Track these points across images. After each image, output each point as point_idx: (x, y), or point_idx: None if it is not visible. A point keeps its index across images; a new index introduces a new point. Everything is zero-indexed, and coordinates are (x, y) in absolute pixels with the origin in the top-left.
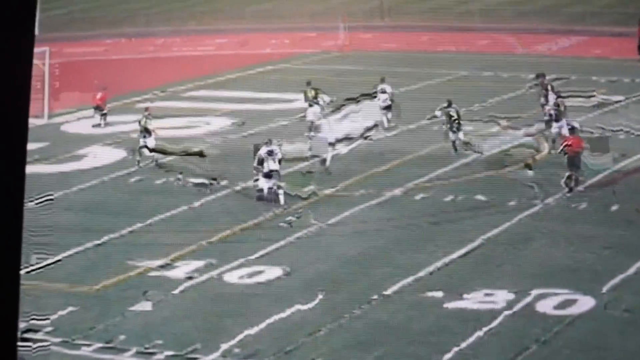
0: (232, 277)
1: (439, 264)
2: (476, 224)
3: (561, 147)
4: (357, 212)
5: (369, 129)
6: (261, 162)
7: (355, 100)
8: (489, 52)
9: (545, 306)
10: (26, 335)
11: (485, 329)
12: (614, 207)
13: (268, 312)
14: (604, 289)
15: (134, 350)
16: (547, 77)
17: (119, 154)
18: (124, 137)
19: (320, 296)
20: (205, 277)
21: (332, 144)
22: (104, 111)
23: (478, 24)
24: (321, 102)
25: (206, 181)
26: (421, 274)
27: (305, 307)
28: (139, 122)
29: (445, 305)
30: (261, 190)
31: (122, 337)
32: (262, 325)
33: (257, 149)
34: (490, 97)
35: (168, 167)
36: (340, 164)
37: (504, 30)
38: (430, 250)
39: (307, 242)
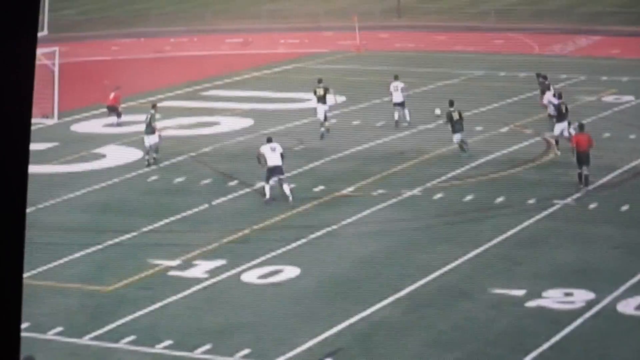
0: (249, 277)
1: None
2: (494, 223)
3: (571, 145)
4: (374, 212)
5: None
6: (264, 159)
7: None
8: (505, 52)
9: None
10: (35, 334)
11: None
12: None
13: (282, 312)
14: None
15: (147, 349)
16: (561, 77)
17: (135, 153)
18: (139, 137)
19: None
20: (223, 276)
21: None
22: (119, 111)
23: (494, 24)
24: (330, 101)
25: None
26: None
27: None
28: (146, 118)
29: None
30: (264, 195)
31: (133, 337)
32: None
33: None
34: (506, 97)
35: (161, 168)
36: (356, 164)
37: (520, 30)
38: (451, 249)
39: (321, 242)
